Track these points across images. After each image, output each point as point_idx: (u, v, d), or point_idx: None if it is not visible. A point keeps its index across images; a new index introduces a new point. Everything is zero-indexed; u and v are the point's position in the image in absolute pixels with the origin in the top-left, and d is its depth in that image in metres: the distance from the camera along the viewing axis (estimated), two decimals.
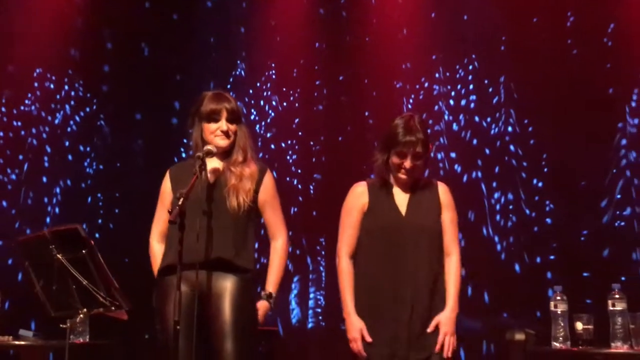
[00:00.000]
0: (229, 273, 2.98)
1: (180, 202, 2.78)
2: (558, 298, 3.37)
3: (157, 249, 3.15)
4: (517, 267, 5.26)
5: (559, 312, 3.34)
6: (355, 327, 3.00)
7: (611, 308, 3.25)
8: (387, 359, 2.97)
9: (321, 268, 5.48)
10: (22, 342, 3.53)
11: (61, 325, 2.87)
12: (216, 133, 3.07)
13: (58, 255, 2.80)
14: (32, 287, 2.97)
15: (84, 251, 2.80)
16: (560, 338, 3.34)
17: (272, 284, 3.11)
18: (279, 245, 3.16)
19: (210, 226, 2.98)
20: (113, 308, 2.83)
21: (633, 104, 5.20)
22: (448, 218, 3.14)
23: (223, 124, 3.07)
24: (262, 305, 3.08)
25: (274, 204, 3.18)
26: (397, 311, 2.98)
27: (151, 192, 5.36)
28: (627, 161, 5.17)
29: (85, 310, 2.87)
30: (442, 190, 3.19)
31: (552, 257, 5.25)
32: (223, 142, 3.08)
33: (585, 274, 5.05)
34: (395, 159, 3.07)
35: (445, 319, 3.01)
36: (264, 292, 3.09)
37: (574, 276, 4.81)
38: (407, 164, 3.05)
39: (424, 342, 2.98)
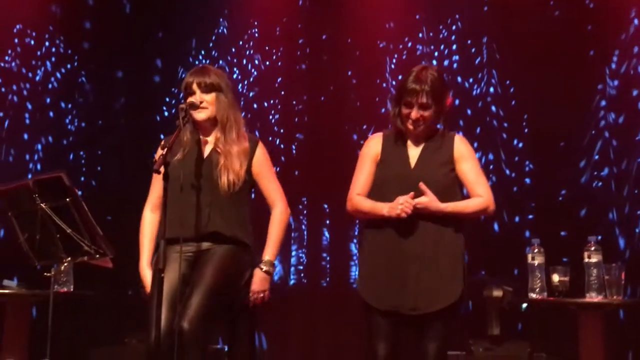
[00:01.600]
0: (224, 244, 3.06)
1: (164, 152, 2.81)
2: (535, 251, 3.45)
3: (147, 217, 3.21)
4: (495, 226, 5.34)
5: (536, 265, 3.41)
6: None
7: (587, 260, 3.33)
8: (393, 309, 2.96)
9: (303, 227, 5.52)
10: (6, 291, 3.53)
11: (45, 274, 2.89)
12: (192, 106, 3.10)
13: (42, 205, 2.81)
14: (15, 237, 2.97)
15: (67, 199, 2.80)
16: (537, 289, 3.42)
17: (269, 251, 3.17)
18: (277, 213, 3.22)
19: (205, 201, 3.05)
20: (97, 256, 2.85)
21: (613, 66, 5.27)
22: (468, 167, 3.06)
23: (197, 95, 3.10)
24: (256, 273, 3.14)
25: (269, 174, 3.25)
26: (404, 265, 2.96)
27: (133, 150, 5.45)
28: (605, 122, 5.25)
29: (69, 258, 2.88)
30: (458, 142, 3.12)
31: (530, 216, 5.35)
32: (199, 114, 3.11)
33: (562, 233, 5.15)
34: (404, 109, 3.05)
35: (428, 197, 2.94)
36: (262, 259, 3.15)
37: (551, 235, 4.88)
38: (414, 113, 3.01)
39: (431, 295, 2.94)
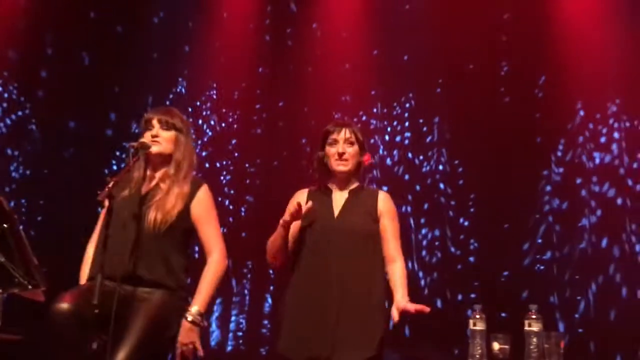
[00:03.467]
0: (153, 288, 2.93)
1: (110, 184, 2.75)
2: (477, 316, 3.42)
3: (90, 253, 3.08)
4: (439, 303, 5.33)
5: (477, 330, 3.37)
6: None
7: (527, 328, 3.31)
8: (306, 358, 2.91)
9: (246, 291, 5.42)
10: None
11: None
12: (147, 138, 3.07)
13: None
14: None
15: (5, 225, 2.69)
16: (477, 356, 3.37)
17: (197, 300, 2.95)
18: (212, 262, 3.01)
19: (137, 242, 2.93)
20: (30, 287, 2.71)
21: (559, 154, 5.44)
22: (389, 226, 3.09)
23: (154, 130, 3.06)
24: (182, 324, 2.93)
25: (209, 219, 3.08)
26: (323, 314, 2.93)
27: (77, 202, 5.33)
28: (549, 207, 5.38)
29: (0, 291, 2.74)
30: (382, 197, 3.15)
31: (473, 295, 5.35)
32: (155, 147, 3.06)
33: (503, 315, 5.16)
34: (328, 149, 3.13)
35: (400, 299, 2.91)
36: (188, 309, 2.94)
37: (492, 315, 4.88)
38: (340, 147, 3.09)
39: (351, 344, 2.90)
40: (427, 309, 2.89)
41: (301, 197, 3.17)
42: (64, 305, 2.67)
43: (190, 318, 2.92)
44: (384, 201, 3.14)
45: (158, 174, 3.09)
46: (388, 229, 3.09)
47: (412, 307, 2.88)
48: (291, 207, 3.00)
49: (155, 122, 3.08)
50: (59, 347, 2.70)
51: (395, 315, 2.90)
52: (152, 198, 3.00)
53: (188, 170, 3.10)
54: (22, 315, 4.00)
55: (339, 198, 3.14)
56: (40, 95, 5.70)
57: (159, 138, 3.05)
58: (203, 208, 3.07)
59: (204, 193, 3.09)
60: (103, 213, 3.01)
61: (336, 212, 3.11)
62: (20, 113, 5.63)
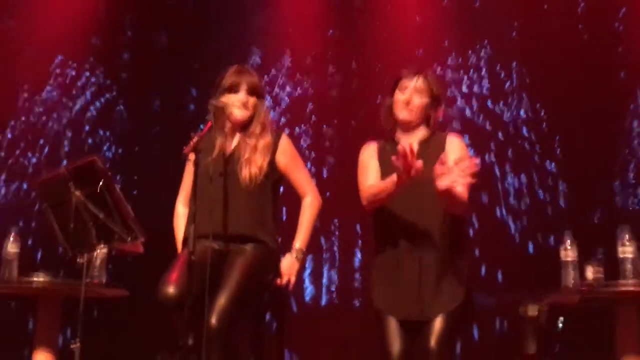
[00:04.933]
0: (247, 243, 3.07)
1: (194, 140, 2.87)
2: (568, 247, 3.39)
3: (180, 212, 3.28)
4: (530, 248, 5.27)
5: (569, 260, 3.35)
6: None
7: (621, 255, 3.26)
8: (402, 318, 2.94)
9: (335, 248, 5.51)
10: (40, 279, 3.52)
11: (78, 260, 2.93)
12: (235, 104, 3.15)
13: (76, 192, 2.87)
14: (50, 229, 3.03)
15: (101, 183, 2.86)
16: (570, 286, 3.34)
17: (299, 239, 3.17)
18: (307, 202, 3.22)
19: (227, 199, 3.07)
20: (129, 239, 2.88)
21: None
22: (457, 157, 2.93)
23: (242, 95, 3.16)
24: (285, 258, 3.14)
25: (296, 165, 3.26)
26: (409, 269, 2.93)
27: (166, 177, 5.53)
28: (638, 142, 5.20)
29: (102, 245, 2.93)
30: (450, 140, 3.05)
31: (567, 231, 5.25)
32: (240, 112, 3.17)
33: (599, 256, 5.04)
34: (397, 94, 3.05)
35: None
36: (292, 245, 3.16)
37: (587, 255, 4.80)
38: (408, 95, 3.01)
39: (437, 299, 2.91)
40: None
41: (371, 148, 3.13)
42: (170, 291, 2.82)
43: (294, 255, 3.14)
44: (451, 143, 3.03)
45: (242, 133, 3.20)
46: (457, 158, 2.88)
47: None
48: (398, 163, 2.74)
49: (243, 86, 3.17)
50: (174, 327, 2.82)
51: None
52: (239, 155, 3.13)
53: (269, 125, 3.23)
54: (127, 271, 4.27)
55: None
56: (124, 77, 5.94)
57: (248, 104, 3.16)
58: (289, 156, 3.23)
59: (285, 142, 3.25)
60: (187, 168, 3.15)
61: None
62: (107, 96, 5.90)
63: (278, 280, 3.13)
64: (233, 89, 3.18)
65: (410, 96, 3.01)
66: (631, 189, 5.15)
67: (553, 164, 5.39)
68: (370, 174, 3.08)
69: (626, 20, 5.32)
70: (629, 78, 5.28)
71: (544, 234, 5.22)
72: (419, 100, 3.02)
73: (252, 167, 3.10)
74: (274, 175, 3.19)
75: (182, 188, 3.33)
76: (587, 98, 5.24)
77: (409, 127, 3.06)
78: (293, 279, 3.15)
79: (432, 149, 2.99)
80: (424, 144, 3.03)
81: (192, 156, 2.89)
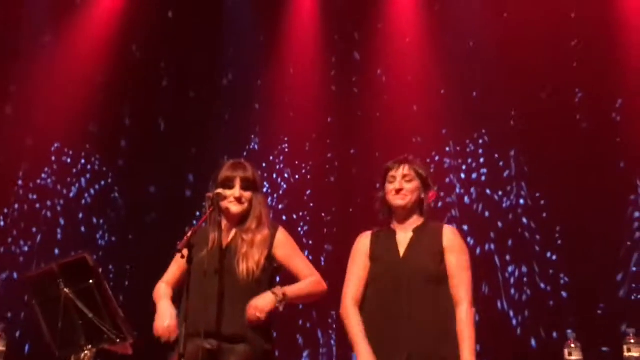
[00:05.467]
0: (241, 343, 2.97)
1: (189, 235, 2.81)
2: (572, 345, 3.29)
3: (162, 286, 3.18)
4: (533, 342, 5.13)
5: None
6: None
7: (627, 354, 3.17)
8: None
9: (332, 342, 5.37)
10: None
11: None
12: (230, 199, 3.12)
13: (65, 290, 2.78)
14: (38, 325, 2.93)
15: (91, 281, 2.78)
16: None
17: (289, 288, 3.05)
18: (309, 278, 3.13)
19: (222, 296, 3.00)
20: (118, 340, 2.77)
21: None
22: (453, 261, 3.00)
23: (236, 191, 3.13)
24: (264, 294, 2.99)
25: (296, 254, 3.20)
26: (393, 352, 2.87)
27: (162, 265, 5.45)
28: None
29: (90, 346, 2.81)
30: (447, 232, 3.07)
31: (569, 331, 5.12)
32: (235, 207, 3.13)
33: (604, 349, 4.92)
34: (388, 186, 3.12)
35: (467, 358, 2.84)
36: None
37: (592, 352, 4.67)
38: (397, 184, 3.08)
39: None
40: None
41: (365, 240, 3.16)
42: None
43: (275, 291, 3.00)
44: (448, 236, 3.05)
45: (237, 228, 3.15)
46: (453, 264, 2.99)
47: None
48: None
49: (237, 182, 3.14)
50: None
51: None
52: (236, 250, 3.07)
53: (266, 220, 3.17)
54: None
55: (403, 237, 3.07)
56: (121, 164, 5.92)
57: (243, 199, 3.12)
58: (287, 248, 3.18)
59: (282, 234, 3.19)
60: (176, 257, 3.08)
61: (402, 251, 3.04)
62: (103, 183, 5.87)
63: (248, 311, 2.97)
64: (227, 184, 3.15)
65: (400, 184, 3.09)
66: (634, 282, 5.05)
67: (555, 255, 5.30)
68: (354, 277, 3.09)
69: (623, 111, 5.33)
70: (629, 168, 5.26)
71: (547, 329, 5.10)
72: (409, 185, 3.10)
73: (249, 262, 3.03)
74: (272, 269, 3.12)
75: (167, 272, 3.23)
76: (587, 188, 5.20)
77: (404, 215, 3.11)
78: (261, 315, 2.97)
79: (427, 238, 3.05)
80: (418, 231, 3.08)
81: (185, 252, 2.81)
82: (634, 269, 5.07)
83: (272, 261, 3.11)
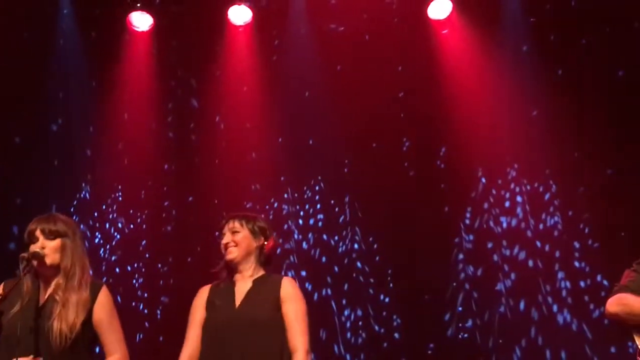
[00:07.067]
0: None
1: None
2: None
3: None
4: None
5: None
6: None
7: None
8: None
9: None
10: None
11: None
12: (38, 253, 2.93)
13: None
14: None
15: None
16: None
17: None
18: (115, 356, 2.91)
19: (36, 355, 2.77)
20: None
21: (467, 222, 5.57)
22: (290, 311, 3.04)
23: (39, 242, 2.93)
24: None
25: (111, 323, 2.96)
26: None
27: None
28: (465, 275, 5.46)
29: None
30: (285, 283, 3.13)
31: None
32: (47, 259, 2.93)
33: None
34: (221, 242, 3.20)
35: None
36: None
37: None
38: (225, 238, 3.17)
39: None
40: None
41: (203, 293, 3.18)
42: None
43: None
44: (285, 287, 3.11)
45: (51, 285, 2.94)
46: (289, 313, 3.04)
47: None
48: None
49: (38, 232, 2.95)
50: None
51: None
52: (50, 311, 2.85)
53: (82, 274, 2.94)
54: None
55: (242, 288, 3.11)
56: None
57: (46, 250, 2.93)
58: (105, 312, 2.95)
59: (105, 296, 2.97)
60: None
61: (238, 302, 3.07)
62: None
63: None
64: (31, 238, 2.94)
65: (228, 238, 3.17)
66: (461, 321, 5.34)
67: (387, 297, 5.50)
68: (191, 332, 3.08)
69: (446, 159, 5.69)
70: (452, 213, 5.60)
71: None
72: (237, 237, 3.17)
73: (62, 325, 2.80)
74: (90, 332, 2.90)
75: None
76: (416, 231, 5.48)
77: (238, 267, 3.16)
78: None
79: (265, 288, 3.11)
80: (258, 282, 3.14)
81: None
82: (460, 309, 5.38)
83: (90, 325, 2.91)
